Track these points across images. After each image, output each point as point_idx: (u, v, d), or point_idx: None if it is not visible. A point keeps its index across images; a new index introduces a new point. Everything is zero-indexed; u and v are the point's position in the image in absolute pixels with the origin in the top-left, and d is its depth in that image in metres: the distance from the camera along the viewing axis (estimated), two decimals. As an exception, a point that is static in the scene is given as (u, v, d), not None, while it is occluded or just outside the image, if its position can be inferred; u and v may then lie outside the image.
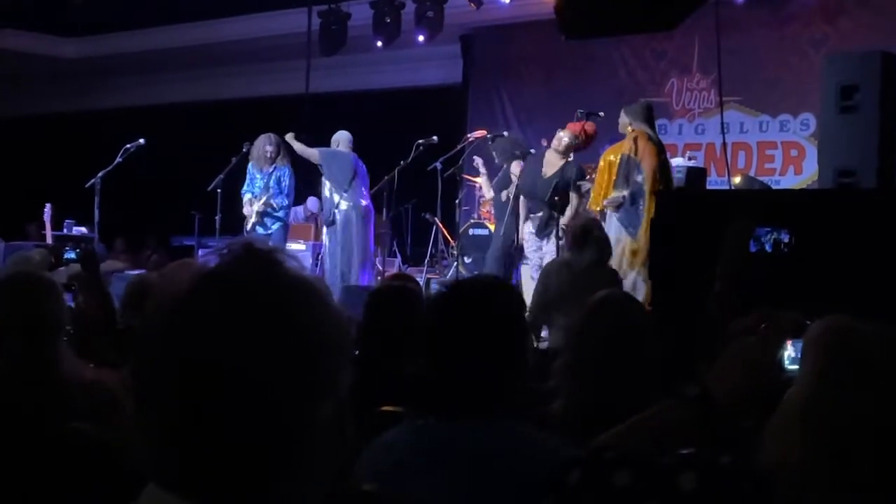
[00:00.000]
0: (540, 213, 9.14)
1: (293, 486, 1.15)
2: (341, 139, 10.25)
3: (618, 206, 8.13)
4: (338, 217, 10.11)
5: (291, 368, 1.13)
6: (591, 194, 8.59)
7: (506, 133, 11.28)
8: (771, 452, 1.47)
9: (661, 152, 8.12)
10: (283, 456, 1.13)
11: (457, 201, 10.94)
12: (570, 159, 9.10)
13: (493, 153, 10.07)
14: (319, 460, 1.17)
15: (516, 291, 2.50)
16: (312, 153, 10.27)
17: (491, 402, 2.25)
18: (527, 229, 9.24)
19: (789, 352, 1.71)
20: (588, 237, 6.61)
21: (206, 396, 1.10)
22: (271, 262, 1.18)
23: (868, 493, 1.38)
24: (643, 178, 7.98)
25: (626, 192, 8.08)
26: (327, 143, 10.43)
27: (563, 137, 9.23)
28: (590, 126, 9.40)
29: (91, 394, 2.64)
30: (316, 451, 1.16)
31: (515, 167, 9.75)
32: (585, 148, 9.49)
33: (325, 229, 10.42)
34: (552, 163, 9.24)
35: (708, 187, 10.50)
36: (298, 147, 10.33)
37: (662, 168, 8.08)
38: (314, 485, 1.19)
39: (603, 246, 6.64)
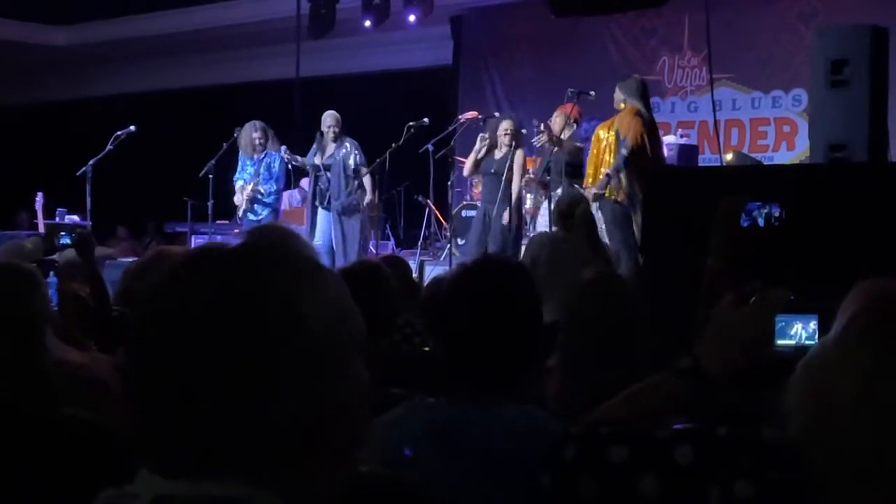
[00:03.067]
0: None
1: (303, 472, 1.13)
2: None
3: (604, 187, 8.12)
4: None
5: (294, 356, 1.10)
6: (586, 172, 8.58)
7: (497, 114, 11.26)
8: (801, 409, 1.45)
9: (647, 127, 8.08)
10: (288, 443, 1.11)
11: (449, 183, 10.94)
12: (565, 139, 9.13)
13: (509, 129, 9.92)
14: (330, 449, 1.15)
15: (528, 273, 2.49)
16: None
17: (508, 382, 2.26)
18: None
19: (778, 327, 1.71)
20: (573, 214, 6.67)
21: (206, 384, 1.08)
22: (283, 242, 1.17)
23: None
24: (626, 151, 7.98)
25: (608, 171, 8.09)
26: (318, 126, 10.41)
27: (555, 120, 9.31)
28: (576, 110, 9.45)
29: (79, 379, 2.64)
30: (325, 444, 1.14)
31: (520, 154, 9.70)
32: (578, 126, 9.51)
33: (341, 217, 10.29)
34: (546, 148, 9.35)
35: (701, 164, 10.52)
36: (299, 161, 10.36)
37: (647, 143, 8.03)
38: (327, 473, 1.16)
39: (587, 221, 6.67)
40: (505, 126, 9.63)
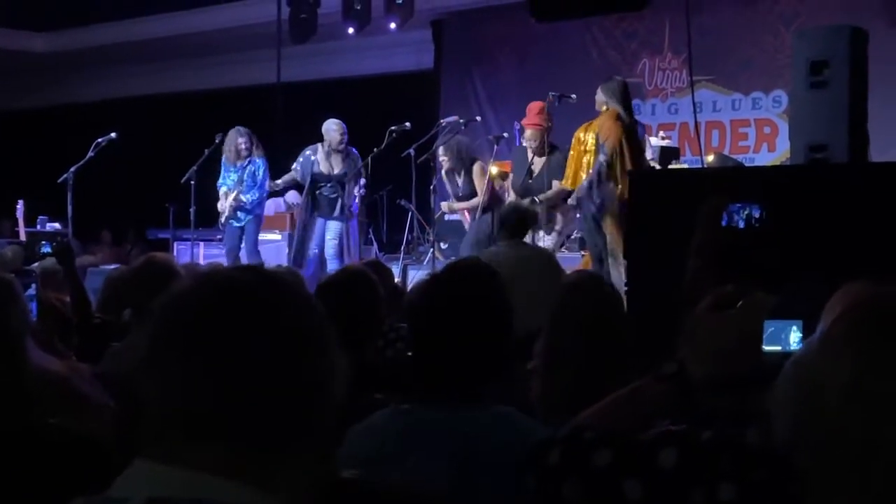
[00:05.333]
0: None
1: (287, 463, 1.22)
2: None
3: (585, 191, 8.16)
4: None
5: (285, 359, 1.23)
6: (566, 173, 8.59)
7: (478, 118, 11.27)
8: (788, 409, 1.44)
9: (627, 132, 8.10)
10: (277, 436, 1.21)
11: (431, 187, 10.93)
12: (549, 150, 9.18)
13: (445, 157, 10.04)
14: (312, 443, 1.25)
15: (499, 275, 2.51)
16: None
17: (477, 386, 2.26)
18: None
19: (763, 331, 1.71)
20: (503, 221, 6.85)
21: (206, 375, 1.20)
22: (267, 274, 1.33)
23: None
24: (604, 158, 7.99)
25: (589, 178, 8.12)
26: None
27: (528, 138, 9.36)
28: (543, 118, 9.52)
29: (59, 389, 2.62)
30: (308, 434, 1.24)
31: (477, 167, 9.78)
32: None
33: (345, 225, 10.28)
34: (537, 162, 9.32)
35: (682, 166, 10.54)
36: (280, 183, 10.42)
37: (627, 148, 8.05)
38: (306, 467, 1.25)
39: (509, 218, 6.76)
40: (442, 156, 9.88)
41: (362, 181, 10.23)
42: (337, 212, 10.16)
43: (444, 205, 10.41)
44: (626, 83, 8.49)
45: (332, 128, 10.14)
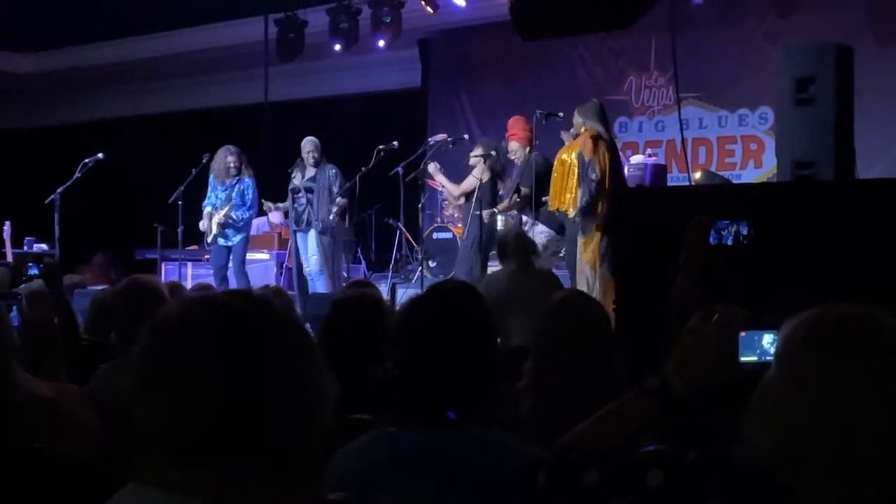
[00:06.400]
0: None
1: (276, 486, 1.23)
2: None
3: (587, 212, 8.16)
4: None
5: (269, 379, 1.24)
6: (550, 195, 8.61)
7: (466, 136, 11.29)
8: (762, 433, 1.45)
9: (609, 150, 8.13)
10: (265, 456, 1.22)
11: (419, 205, 10.95)
12: (529, 158, 9.26)
13: (479, 148, 9.99)
14: (300, 464, 1.26)
15: (482, 296, 2.51)
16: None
17: (463, 407, 2.25)
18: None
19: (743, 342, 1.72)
20: (506, 249, 6.95)
21: (200, 402, 1.21)
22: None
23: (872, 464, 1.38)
24: (596, 177, 8.00)
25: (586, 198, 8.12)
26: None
27: (511, 150, 9.49)
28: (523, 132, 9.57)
29: (47, 412, 2.61)
30: (298, 455, 1.26)
31: (476, 171, 9.74)
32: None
33: (322, 237, 10.23)
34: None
35: (669, 184, 10.58)
36: (282, 207, 10.48)
37: (612, 165, 8.09)
38: (297, 487, 1.26)
39: (521, 253, 6.83)
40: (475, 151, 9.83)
41: (339, 198, 10.15)
42: (304, 224, 10.17)
43: (431, 167, 10.30)
44: (602, 104, 8.55)
45: (303, 144, 10.21)
